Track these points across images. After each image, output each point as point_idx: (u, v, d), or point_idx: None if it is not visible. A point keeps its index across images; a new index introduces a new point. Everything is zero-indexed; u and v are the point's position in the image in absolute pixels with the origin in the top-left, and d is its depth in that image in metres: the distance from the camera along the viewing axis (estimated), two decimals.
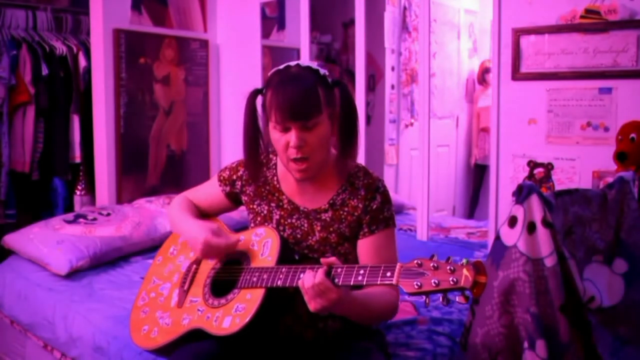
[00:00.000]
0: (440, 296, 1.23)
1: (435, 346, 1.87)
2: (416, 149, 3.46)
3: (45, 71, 3.30)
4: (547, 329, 1.54)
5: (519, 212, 1.60)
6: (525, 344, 1.55)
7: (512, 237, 1.60)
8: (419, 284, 1.22)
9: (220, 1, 3.87)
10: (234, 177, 1.72)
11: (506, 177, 2.77)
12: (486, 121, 4.22)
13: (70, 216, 2.91)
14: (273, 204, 1.64)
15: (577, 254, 1.70)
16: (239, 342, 1.50)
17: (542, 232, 1.57)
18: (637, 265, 1.79)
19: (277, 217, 1.63)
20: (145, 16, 3.47)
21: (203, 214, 1.80)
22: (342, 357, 1.56)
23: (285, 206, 1.63)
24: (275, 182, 1.65)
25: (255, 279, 1.48)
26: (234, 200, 1.75)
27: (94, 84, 3.34)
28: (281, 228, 1.62)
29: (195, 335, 1.53)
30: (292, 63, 1.55)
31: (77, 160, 3.51)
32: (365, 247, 1.58)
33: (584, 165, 2.56)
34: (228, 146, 3.89)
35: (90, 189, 3.55)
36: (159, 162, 3.60)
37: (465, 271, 1.19)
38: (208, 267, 1.65)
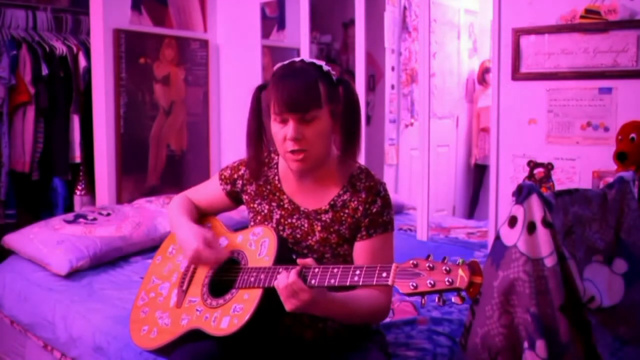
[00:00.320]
0: (436, 296, 1.23)
1: (435, 346, 1.87)
2: (416, 149, 3.46)
3: (45, 71, 3.30)
4: (547, 329, 1.54)
5: (519, 212, 1.60)
6: (525, 344, 1.55)
7: (512, 237, 1.60)
8: (414, 284, 1.22)
9: (220, 1, 3.87)
10: (235, 175, 1.72)
11: (506, 177, 2.77)
12: (486, 121, 4.22)
13: (70, 216, 2.91)
14: (274, 204, 1.64)
15: (577, 254, 1.70)
16: (238, 343, 1.50)
17: (542, 232, 1.57)
18: (637, 265, 1.79)
19: (278, 216, 1.63)
20: (145, 16, 3.47)
21: (203, 213, 1.80)
22: (342, 357, 1.56)
23: (285, 206, 1.63)
24: (277, 182, 1.65)
25: (252, 279, 1.48)
26: (235, 199, 1.75)
27: (94, 84, 3.34)
28: (281, 228, 1.62)
29: (195, 335, 1.52)
30: (297, 59, 1.56)
31: (77, 160, 3.51)
32: (361, 249, 1.58)
33: (584, 165, 2.56)
34: (228, 146, 3.89)
35: (90, 189, 3.55)
36: (159, 162, 3.60)
37: (460, 271, 1.19)
38: (206, 267, 1.64)
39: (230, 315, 1.47)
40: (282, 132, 1.50)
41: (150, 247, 2.85)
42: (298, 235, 1.61)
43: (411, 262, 1.26)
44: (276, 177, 1.66)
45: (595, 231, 1.78)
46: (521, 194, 1.61)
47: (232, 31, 3.83)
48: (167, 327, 1.60)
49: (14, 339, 2.61)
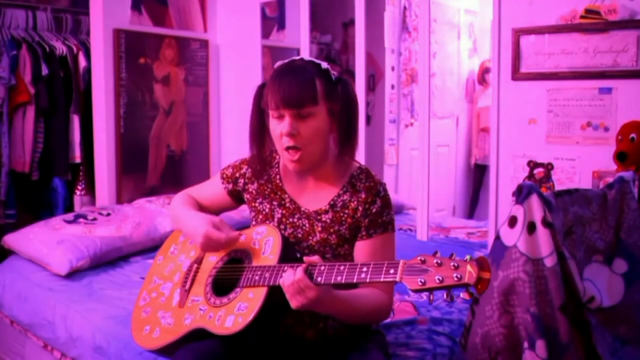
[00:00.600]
0: (443, 293, 1.22)
1: (435, 346, 1.87)
2: (416, 149, 3.46)
3: (45, 71, 3.30)
4: (547, 329, 1.54)
5: (519, 212, 1.60)
6: (525, 344, 1.55)
7: (512, 237, 1.60)
8: (422, 280, 1.22)
9: (220, 1, 3.87)
10: (237, 174, 1.72)
11: (506, 177, 2.77)
12: (486, 121, 4.22)
13: (70, 216, 2.91)
14: (275, 203, 1.64)
15: (577, 254, 1.70)
16: (241, 342, 1.50)
17: (542, 232, 1.57)
18: (637, 265, 1.79)
19: (279, 215, 1.63)
20: (145, 16, 3.47)
21: (204, 212, 1.80)
22: (342, 357, 1.56)
23: (287, 205, 1.63)
24: (278, 181, 1.66)
25: (257, 278, 1.48)
26: (236, 198, 1.75)
27: (94, 84, 3.34)
28: (282, 227, 1.62)
29: (198, 335, 1.52)
30: (297, 57, 1.57)
31: (77, 160, 3.51)
32: (361, 250, 1.58)
33: (584, 165, 2.56)
34: (228, 146, 3.89)
35: (90, 189, 3.55)
36: (159, 162, 3.60)
37: (469, 267, 1.18)
38: (209, 266, 1.64)
39: (235, 314, 1.46)
40: (278, 128, 1.51)
41: (150, 247, 2.86)
42: (299, 235, 1.61)
43: (418, 258, 1.25)
44: (277, 176, 1.66)
45: (595, 231, 1.78)
46: (521, 194, 1.61)
47: (232, 31, 3.83)
48: (170, 327, 1.60)
49: (14, 338, 2.62)
